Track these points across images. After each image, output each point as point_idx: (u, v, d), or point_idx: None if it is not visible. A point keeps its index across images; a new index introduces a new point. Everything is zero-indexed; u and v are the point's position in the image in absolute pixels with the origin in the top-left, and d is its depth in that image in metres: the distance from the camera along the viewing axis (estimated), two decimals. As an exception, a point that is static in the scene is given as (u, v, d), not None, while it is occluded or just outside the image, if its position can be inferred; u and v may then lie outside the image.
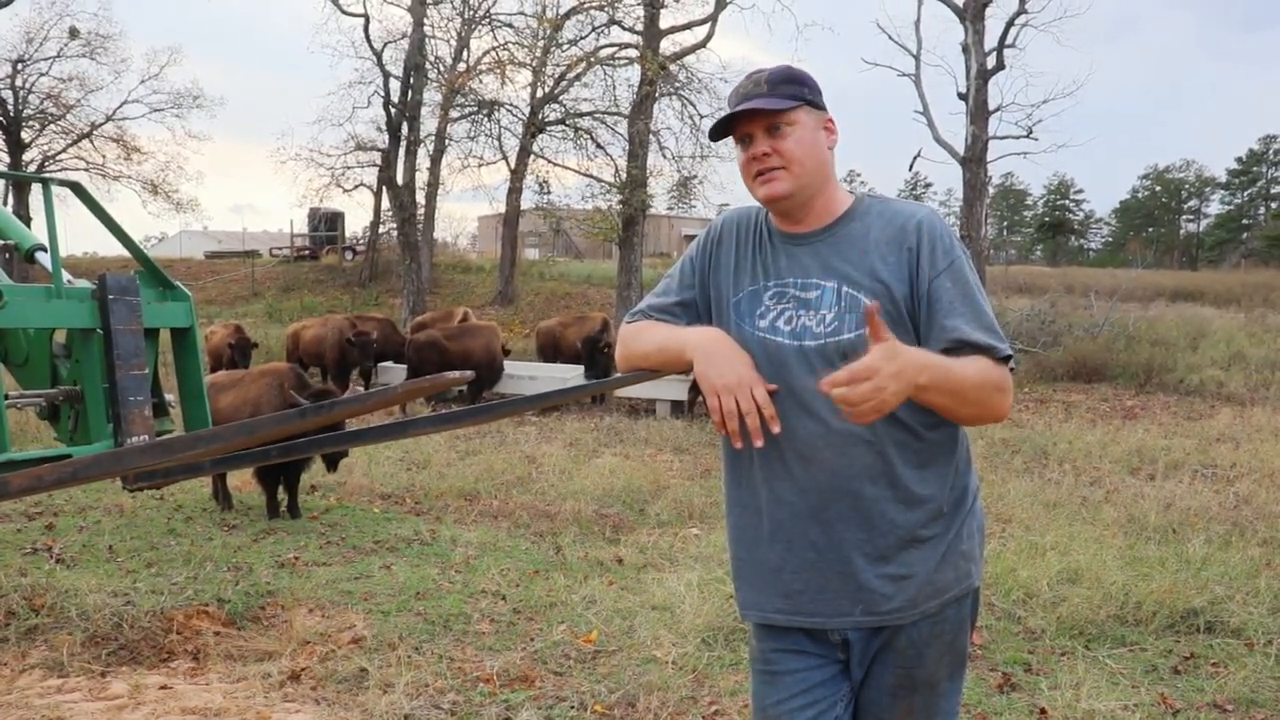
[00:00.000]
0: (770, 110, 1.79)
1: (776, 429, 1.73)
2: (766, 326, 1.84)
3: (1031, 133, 19.57)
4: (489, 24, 23.82)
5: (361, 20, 24.12)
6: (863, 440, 1.77)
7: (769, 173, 1.81)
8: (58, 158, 30.44)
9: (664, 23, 20.35)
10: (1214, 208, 72.70)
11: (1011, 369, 1.77)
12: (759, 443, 1.73)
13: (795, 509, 1.82)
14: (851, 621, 1.82)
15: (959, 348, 1.73)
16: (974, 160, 18.74)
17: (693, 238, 2.09)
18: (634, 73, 20.57)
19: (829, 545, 1.80)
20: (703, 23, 20.58)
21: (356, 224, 36.69)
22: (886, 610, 1.80)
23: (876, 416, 1.61)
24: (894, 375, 1.58)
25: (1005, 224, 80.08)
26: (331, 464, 6.93)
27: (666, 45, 20.45)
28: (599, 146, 22.48)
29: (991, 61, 19.01)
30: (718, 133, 1.89)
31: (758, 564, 1.89)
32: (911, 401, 1.77)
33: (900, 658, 1.84)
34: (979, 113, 18.71)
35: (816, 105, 1.84)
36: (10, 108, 29.46)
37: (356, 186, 25.83)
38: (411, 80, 23.17)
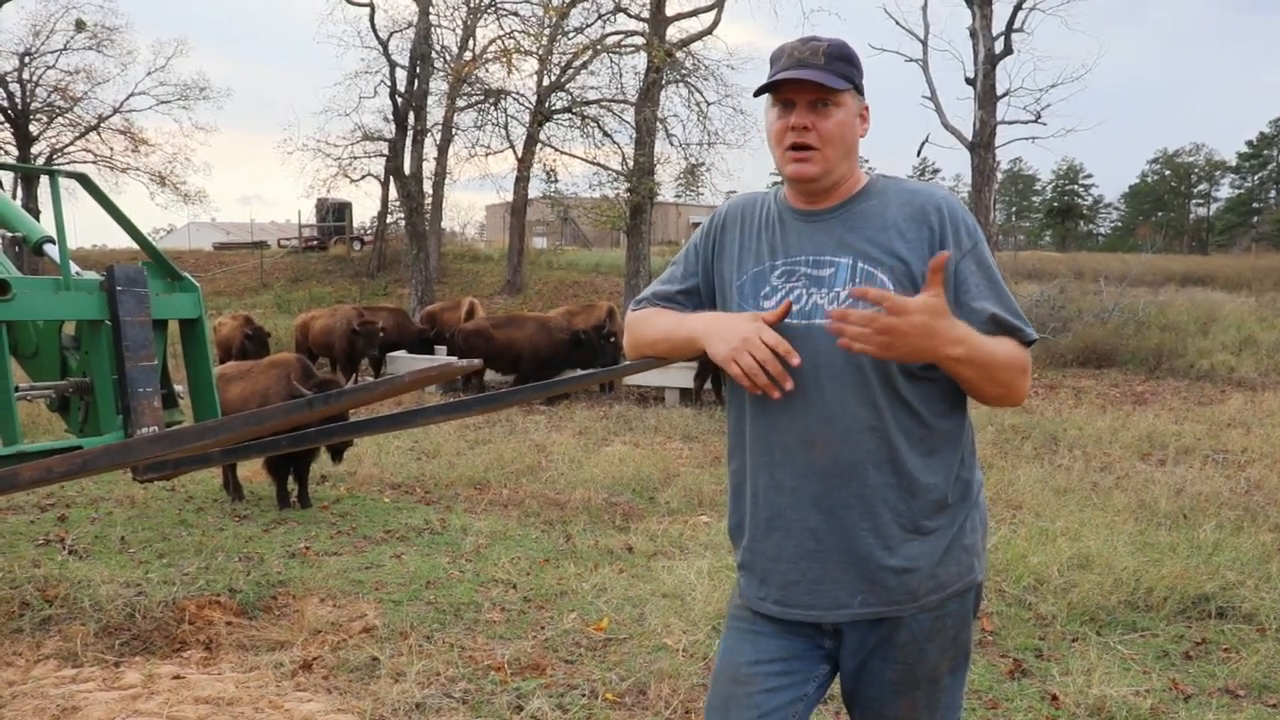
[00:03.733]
0: (824, 85, 1.75)
1: (796, 361, 1.70)
2: (773, 307, 1.80)
3: (1040, 117, 19.50)
4: (494, 12, 23.79)
5: (367, 10, 24.14)
6: (868, 425, 1.74)
7: (803, 151, 1.77)
8: (65, 150, 30.60)
9: (670, 9, 20.26)
10: (1224, 191, 72.22)
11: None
12: (788, 385, 1.71)
13: (797, 495, 1.79)
14: (849, 614, 1.80)
15: (991, 329, 1.72)
16: (982, 145, 18.65)
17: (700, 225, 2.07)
18: (640, 60, 20.54)
19: (830, 533, 1.77)
20: (709, 9, 20.48)
21: (364, 214, 36.84)
22: (886, 602, 1.78)
23: (871, 349, 1.60)
24: (921, 328, 1.58)
25: (1014, 209, 79.72)
26: (336, 454, 6.89)
27: (672, 32, 20.38)
28: (606, 135, 22.48)
29: (999, 46, 18.91)
30: (762, 89, 1.83)
31: (755, 554, 1.88)
32: (922, 385, 1.75)
33: (901, 653, 1.82)
34: (987, 98, 18.62)
35: (861, 91, 1.82)
36: (18, 101, 29.56)
37: (364, 177, 25.90)
38: (418, 69, 23.14)
